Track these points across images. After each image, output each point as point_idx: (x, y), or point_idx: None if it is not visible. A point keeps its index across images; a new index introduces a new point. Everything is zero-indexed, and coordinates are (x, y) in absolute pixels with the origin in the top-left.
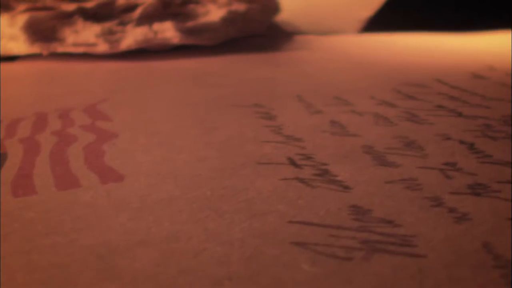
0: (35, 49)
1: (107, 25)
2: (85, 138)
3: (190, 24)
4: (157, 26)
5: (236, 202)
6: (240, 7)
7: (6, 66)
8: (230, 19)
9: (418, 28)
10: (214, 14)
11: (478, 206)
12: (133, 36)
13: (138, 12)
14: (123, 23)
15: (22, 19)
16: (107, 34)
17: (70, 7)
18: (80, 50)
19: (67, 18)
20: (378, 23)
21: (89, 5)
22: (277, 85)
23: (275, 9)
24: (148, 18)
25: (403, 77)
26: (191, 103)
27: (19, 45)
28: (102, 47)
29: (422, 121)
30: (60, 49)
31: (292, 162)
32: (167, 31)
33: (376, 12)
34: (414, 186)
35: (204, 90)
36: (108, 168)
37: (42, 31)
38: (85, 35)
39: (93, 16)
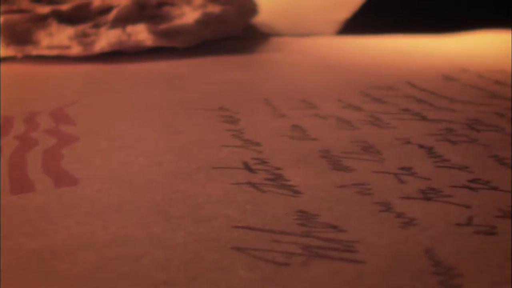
0: (10, 51)
1: (81, 27)
2: (46, 142)
3: (163, 26)
4: (130, 28)
5: (184, 207)
6: (215, 9)
7: None
8: (205, 21)
9: (395, 30)
10: (188, 16)
11: (426, 211)
12: (106, 38)
13: (112, 14)
14: (97, 26)
15: None
16: (81, 37)
17: (45, 9)
18: (54, 52)
19: (41, 20)
20: (355, 25)
21: (64, 7)
22: (245, 88)
23: (252, 10)
24: (122, 21)
25: (374, 79)
26: (157, 106)
27: None
28: (76, 50)
29: (384, 125)
30: (35, 51)
31: (247, 167)
32: (140, 34)
33: (354, 14)
34: (365, 190)
35: (172, 93)
36: (64, 172)
37: (17, 34)
38: (59, 37)
39: (68, 18)
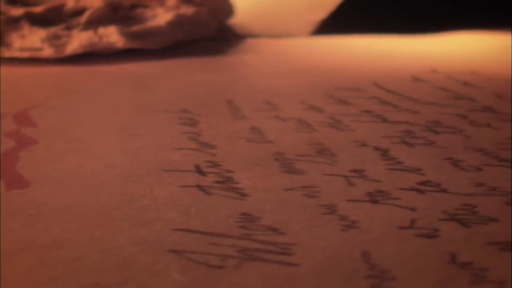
0: None
1: (53, 29)
2: (5, 145)
3: (135, 28)
4: (102, 30)
5: (129, 210)
6: (188, 10)
7: None
8: (177, 23)
9: (372, 30)
10: (161, 18)
11: (371, 213)
12: (78, 40)
13: (85, 16)
14: (69, 28)
15: None
16: (53, 39)
17: (18, 12)
18: (26, 54)
19: (14, 23)
20: (331, 25)
21: (37, 9)
22: (212, 90)
23: (228, 12)
24: (95, 23)
25: (341, 81)
26: (119, 109)
27: None
28: (48, 52)
29: (343, 128)
30: (7, 53)
31: (198, 170)
32: (112, 35)
33: (330, 14)
34: (312, 193)
35: (138, 95)
36: (17, 175)
37: None
38: (31, 39)
39: (41, 20)
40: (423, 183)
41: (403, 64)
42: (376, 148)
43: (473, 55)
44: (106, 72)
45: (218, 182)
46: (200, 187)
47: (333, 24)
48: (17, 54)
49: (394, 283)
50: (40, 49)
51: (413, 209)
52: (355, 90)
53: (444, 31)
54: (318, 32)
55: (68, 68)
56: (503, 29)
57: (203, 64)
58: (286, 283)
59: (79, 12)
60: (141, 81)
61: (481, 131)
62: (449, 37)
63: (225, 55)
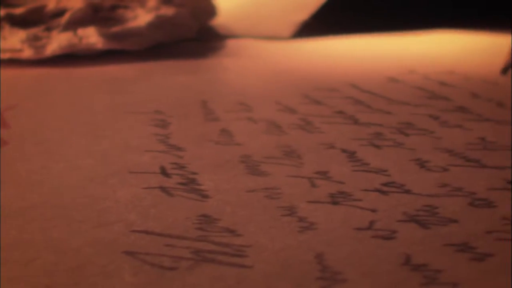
0: None
1: (33, 31)
2: None
3: (115, 29)
4: (81, 31)
5: (90, 211)
6: (169, 11)
7: None
8: (157, 24)
9: (354, 30)
10: (142, 18)
11: (330, 215)
12: (57, 41)
13: (65, 17)
14: (49, 29)
15: None
16: (32, 40)
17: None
18: (6, 56)
19: None
20: (313, 26)
21: (18, 11)
22: (187, 92)
23: (210, 12)
24: (75, 24)
25: (319, 81)
26: (93, 110)
27: None
28: (27, 53)
29: (313, 130)
30: None
31: (163, 172)
32: (91, 37)
33: (312, 15)
34: (274, 195)
35: (113, 96)
36: None
37: None
38: (11, 41)
39: (22, 22)
40: (386, 184)
41: (381, 65)
42: (344, 150)
43: (452, 54)
44: (85, 73)
45: (181, 183)
46: (163, 189)
47: (316, 25)
48: None
49: (344, 285)
50: (20, 50)
51: (373, 210)
52: (331, 90)
53: (424, 30)
54: (300, 32)
55: (47, 69)
56: (483, 29)
57: (181, 65)
58: (235, 284)
59: (60, 13)
60: (118, 83)
61: (452, 132)
62: (429, 37)
63: (204, 57)
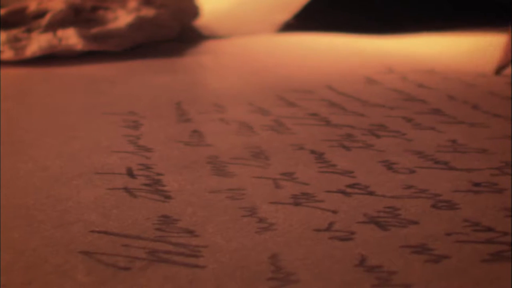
0: None
1: (14, 32)
2: None
3: (95, 30)
4: (61, 32)
5: (52, 212)
6: (149, 12)
7: None
8: (137, 25)
9: (336, 30)
10: (122, 20)
11: (290, 216)
12: (37, 43)
13: (46, 19)
14: (29, 30)
15: None
16: (13, 41)
17: None
18: None
19: None
20: (296, 26)
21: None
22: (163, 92)
23: (193, 13)
24: (56, 25)
25: (296, 82)
26: (67, 111)
27: None
28: (8, 54)
29: (284, 131)
30: None
31: (129, 172)
32: (71, 38)
33: (295, 15)
34: (237, 196)
35: (89, 97)
36: None
37: None
38: None
39: (3, 23)
40: (351, 186)
41: (361, 65)
42: (312, 152)
43: (432, 55)
44: (64, 74)
45: (146, 184)
46: (126, 190)
47: (299, 25)
48: None
49: (295, 286)
50: (0, 52)
51: (334, 212)
52: (307, 92)
53: (406, 32)
54: (282, 32)
55: (27, 70)
56: (465, 30)
57: (160, 66)
58: (187, 284)
59: (41, 14)
60: (96, 84)
61: (424, 134)
62: (410, 38)
63: (184, 57)
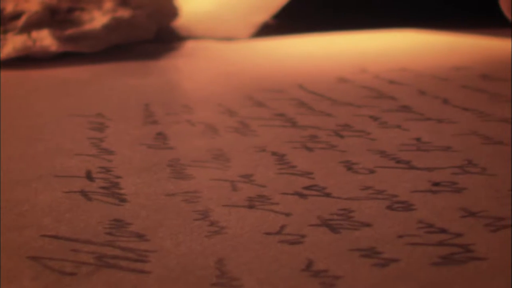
0: None
1: None
2: None
3: (69, 31)
4: (35, 34)
5: (8, 215)
6: (125, 13)
7: None
8: (113, 26)
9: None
10: (98, 21)
11: (242, 219)
12: (12, 44)
13: (22, 20)
14: (5, 32)
15: None
16: None
17: None
18: None
19: None
20: (274, 27)
21: None
22: (133, 94)
23: (171, 14)
24: (31, 26)
25: (268, 83)
26: (37, 113)
27: None
28: None
29: (249, 132)
30: None
31: (88, 175)
32: (45, 39)
33: (274, 16)
34: (192, 199)
35: (59, 99)
36: None
37: None
38: None
39: None
40: (308, 188)
41: (334, 64)
42: (274, 153)
43: (405, 52)
44: (38, 76)
45: (103, 188)
46: (83, 193)
47: (278, 25)
48: None
49: None
50: None
51: (287, 214)
52: (278, 92)
53: (381, 29)
54: (260, 33)
55: (2, 72)
56: (438, 28)
57: (134, 67)
58: None
59: (17, 16)
60: (68, 85)
61: (389, 133)
62: (384, 35)
63: (158, 59)
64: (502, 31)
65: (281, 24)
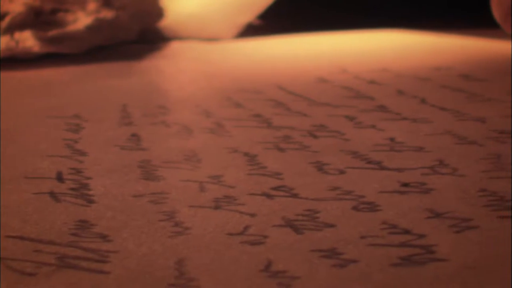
0: None
1: None
2: None
3: (52, 33)
4: (18, 35)
5: None
6: (108, 14)
7: None
8: (96, 27)
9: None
10: (81, 22)
11: (207, 220)
12: None
13: (6, 21)
14: None
15: None
16: None
17: None
18: None
19: None
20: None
21: None
22: (112, 95)
23: (156, 14)
24: (15, 28)
25: (247, 83)
26: (15, 114)
27: None
28: None
29: (223, 133)
30: None
31: (59, 177)
32: (28, 40)
33: (259, 16)
34: (159, 200)
35: (38, 100)
36: None
37: None
38: None
39: None
40: (276, 188)
41: (315, 65)
42: (246, 154)
43: (388, 52)
44: (20, 77)
45: (72, 189)
46: (52, 194)
47: (263, 26)
48: None
49: None
50: None
51: (252, 215)
52: (256, 92)
53: (369, 29)
54: (245, 34)
55: None
56: (419, 28)
57: (115, 69)
58: None
59: (1, 17)
60: (49, 87)
61: (363, 133)
62: (367, 35)
63: (141, 60)
64: (490, 32)
65: (267, 24)
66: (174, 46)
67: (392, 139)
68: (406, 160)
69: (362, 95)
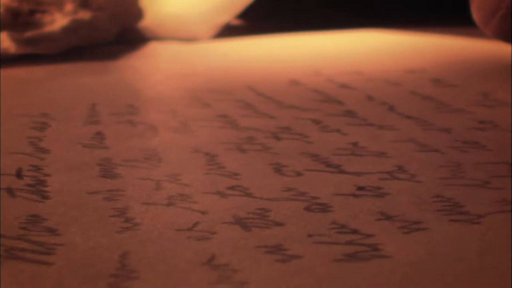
0: None
1: None
2: None
3: (28, 34)
4: None
5: None
6: (86, 15)
7: None
8: (72, 28)
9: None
10: (58, 23)
11: (158, 216)
12: None
13: None
14: None
15: None
16: None
17: None
18: None
19: None
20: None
21: None
22: (82, 94)
23: (135, 15)
24: None
25: (218, 83)
26: None
27: None
28: None
29: (188, 133)
30: None
31: (18, 173)
32: (4, 42)
33: (238, 16)
34: (114, 197)
35: (9, 99)
36: None
37: None
38: None
39: None
40: (231, 188)
41: (289, 66)
42: (206, 154)
43: (363, 53)
44: None
45: (29, 185)
46: (8, 190)
47: (242, 26)
48: None
49: (133, 282)
50: None
51: (203, 213)
52: (226, 93)
53: (348, 29)
54: (224, 34)
55: None
56: (396, 28)
57: (90, 68)
58: (28, 280)
59: None
60: (22, 86)
61: (326, 137)
62: (344, 36)
63: (117, 60)
64: (471, 30)
65: (247, 24)
66: (152, 47)
67: (355, 144)
68: (366, 164)
69: (332, 99)
